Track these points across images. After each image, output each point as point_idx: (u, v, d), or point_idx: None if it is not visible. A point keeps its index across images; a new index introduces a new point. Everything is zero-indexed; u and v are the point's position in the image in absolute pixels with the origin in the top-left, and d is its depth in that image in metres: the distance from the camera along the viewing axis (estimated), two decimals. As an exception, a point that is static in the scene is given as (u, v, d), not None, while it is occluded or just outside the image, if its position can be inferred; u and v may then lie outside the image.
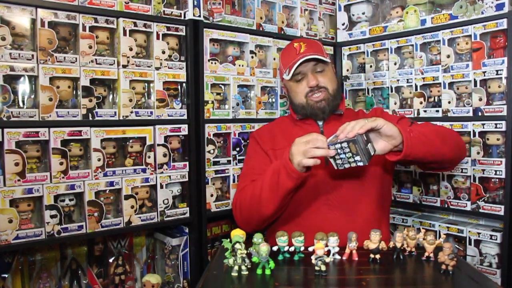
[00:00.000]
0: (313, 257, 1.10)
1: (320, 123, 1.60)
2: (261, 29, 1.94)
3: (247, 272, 1.10)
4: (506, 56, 1.62)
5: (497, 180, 1.68)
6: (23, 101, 1.39)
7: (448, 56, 1.79)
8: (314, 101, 1.54)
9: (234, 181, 1.83)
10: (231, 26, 1.83)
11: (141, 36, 1.61)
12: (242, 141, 1.86)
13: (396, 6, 2.01)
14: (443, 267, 1.09)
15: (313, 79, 1.53)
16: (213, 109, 1.77)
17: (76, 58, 1.45)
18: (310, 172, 1.37)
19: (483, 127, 1.68)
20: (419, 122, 1.56)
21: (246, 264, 1.10)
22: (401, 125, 1.28)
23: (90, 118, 1.49)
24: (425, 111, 1.86)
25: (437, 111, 1.82)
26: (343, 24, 2.21)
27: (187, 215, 1.72)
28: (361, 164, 1.20)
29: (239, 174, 1.83)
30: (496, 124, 1.64)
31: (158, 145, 1.63)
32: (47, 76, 1.39)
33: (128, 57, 1.56)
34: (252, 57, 1.89)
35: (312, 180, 1.50)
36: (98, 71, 1.50)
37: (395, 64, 1.98)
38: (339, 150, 1.21)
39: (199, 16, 1.72)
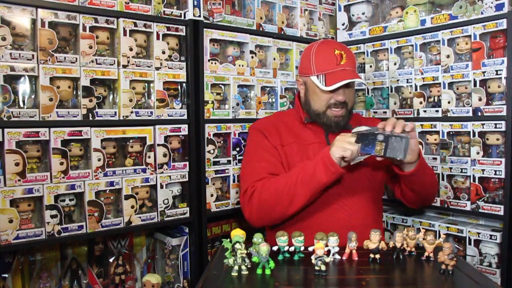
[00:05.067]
0: (313, 257, 1.10)
1: None
2: (261, 29, 1.94)
3: (247, 272, 1.10)
4: (505, 56, 1.62)
5: (496, 180, 1.68)
6: (23, 101, 1.39)
7: (448, 56, 1.79)
8: (334, 115, 1.52)
9: (234, 181, 1.83)
10: (231, 26, 1.83)
11: (141, 36, 1.61)
12: (242, 141, 1.86)
13: (396, 6, 2.01)
14: (443, 267, 1.09)
15: (343, 95, 1.50)
16: (213, 109, 1.77)
17: (76, 58, 1.45)
18: (345, 170, 1.37)
19: (483, 127, 1.68)
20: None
21: (246, 264, 1.10)
22: None
23: (90, 118, 1.49)
24: (424, 111, 1.86)
25: (437, 111, 1.82)
26: (343, 24, 2.21)
27: (187, 215, 1.72)
28: (400, 157, 1.28)
29: (239, 174, 1.83)
30: (495, 124, 1.64)
31: (158, 145, 1.63)
32: (48, 76, 1.40)
33: (128, 57, 1.56)
34: (252, 57, 1.90)
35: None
36: (98, 71, 1.50)
37: (395, 64, 1.98)
38: (391, 139, 1.29)
39: (199, 16, 1.72)
